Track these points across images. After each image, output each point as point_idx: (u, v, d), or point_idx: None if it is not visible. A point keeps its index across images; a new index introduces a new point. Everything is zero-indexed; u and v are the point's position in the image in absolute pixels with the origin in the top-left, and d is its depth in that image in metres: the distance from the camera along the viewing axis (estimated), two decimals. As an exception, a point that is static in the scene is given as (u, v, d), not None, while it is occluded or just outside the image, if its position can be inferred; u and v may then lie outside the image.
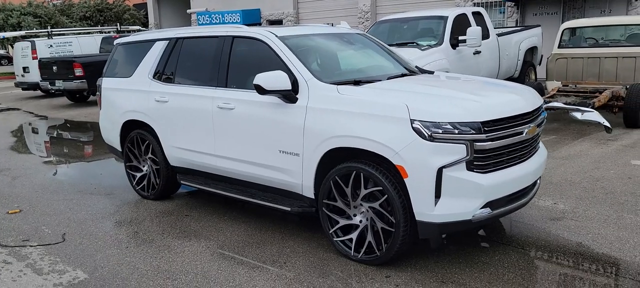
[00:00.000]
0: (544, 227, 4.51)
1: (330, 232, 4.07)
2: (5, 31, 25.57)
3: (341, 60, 4.83)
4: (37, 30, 20.56)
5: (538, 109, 4.05)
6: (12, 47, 23.34)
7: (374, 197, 3.78)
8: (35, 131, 11.45)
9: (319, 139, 3.97)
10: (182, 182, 5.30)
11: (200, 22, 20.75)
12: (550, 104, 8.00)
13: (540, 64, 11.26)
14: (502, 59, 9.58)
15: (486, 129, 3.53)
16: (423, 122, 3.50)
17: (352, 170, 3.83)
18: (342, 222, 4.01)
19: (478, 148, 3.51)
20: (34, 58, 17.01)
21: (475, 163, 3.54)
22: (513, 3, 14.25)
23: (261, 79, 4.06)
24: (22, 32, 20.78)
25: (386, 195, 3.66)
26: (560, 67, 9.55)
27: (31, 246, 4.46)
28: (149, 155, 5.58)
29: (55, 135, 10.91)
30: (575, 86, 9.17)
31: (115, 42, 6.29)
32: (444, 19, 8.39)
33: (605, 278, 3.58)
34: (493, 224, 4.60)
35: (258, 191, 4.66)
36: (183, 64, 5.22)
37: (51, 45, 17.78)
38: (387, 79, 4.47)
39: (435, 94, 3.98)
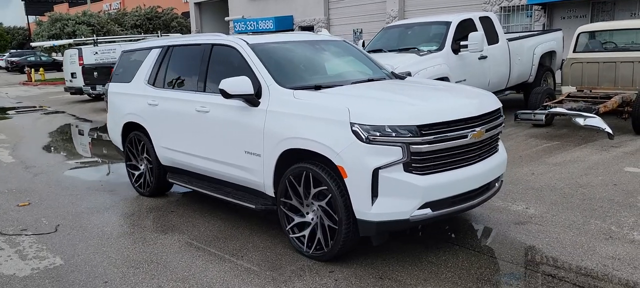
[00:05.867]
0: (504, 231, 4.56)
1: (287, 228, 4.30)
2: (61, 39, 27.30)
3: (310, 67, 5.05)
4: (85, 39, 21.88)
5: (488, 114, 4.13)
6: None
7: (323, 195, 3.99)
8: (70, 133, 12.26)
9: (275, 141, 4.22)
10: (169, 180, 5.68)
11: (237, 29, 21.42)
12: (554, 110, 7.91)
13: (561, 69, 11.00)
14: (513, 64, 9.48)
15: (423, 132, 3.67)
16: (361, 125, 3.69)
17: (302, 170, 4.06)
18: (297, 219, 4.24)
19: (415, 150, 3.66)
20: (80, 64, 18.11)
21: (413, 165, 3.69)
22: (540, 6, 13.96)
23: (225, 84, 4.36)
24: (71, 40, 22.16)
25: (330, 194, 3.87)
26: (576, 71, 9.35)
27: (26, 235, 4.94)
28: (144, 155, 6.00)
29: (87, 136, 11.66)
30: (591, 91, 8.96)
31: (122, 50, 6.78)
32: (447, 24, 8.43)
33: (540, 280, 3.63)
34: (456, 225, 4.69)
35: (233, 189, 4.96)
36: (171, 70, 5.61)
37: (96, 52, 18.84)
38: (351, 83, 4.66)
39: (381, 98, 4.15)
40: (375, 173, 3.65)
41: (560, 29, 11.41)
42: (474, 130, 3.93)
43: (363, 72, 5.17)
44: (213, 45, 5.13)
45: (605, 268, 3.77)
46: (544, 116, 7.85)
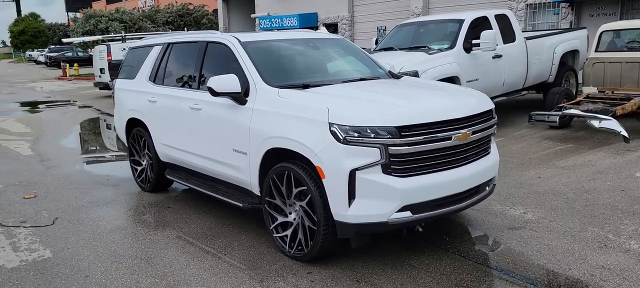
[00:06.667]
0: (496, 236, 4.42)
1: (271, 228, 4.28)
2: (94, 35, 28.00)
3: (301, 65, 5.00)
4: (114, 35, 22.42)
5: (476, 116, 3.99)
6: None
7: (304, 195, 3.95)
8: (92, 128, 12.56)
9: (260, 139, 4.20)
10: (168, 176, 5.74)
11: (262, 26, 21.53)
12: (568, 111, 7.63)
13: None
14: (531, 63, 9.18)
15: (403, 133, 3.58)
16: (340, 125, 3.63)
17: (284, 169, 4.03)
18: (280, 219, 4.21)
19: (394, 152, 3.57)
20: (108, 60, 18.56)
21: (392, 166, 3.60)
22: (567, 4, 13.49)
23: (213, 82, 4.36)
24: (99, 37, 22.72)
25: (310, 195, 3.83)
26: (598, 71, 8.98)
27: (24, 227, 5.07)
28: (146, 150, 6.08)
29: (108, 131, 11.93)
30: (612, 92, 8.60)
31: (129, 47, 6.89)
32: (460, 22, 8.23)
33: (522, 289, 3.51)
34: (449, 228, 4.57)
35: (225, 187, 4.97)
36: (170, 67, 5.66)
37: (124, 49, 19.24)
38: (341, 83, 4.59)
39: (365, 98, 4.07)
40: (352, 175, 3.59)
41: (585, 27, 10.99)
42: (458, 132, 3.81)
43: (357, 71, 5.09)
44: (208, 42, 5.14)
45: (592, 277, 3.61)
46: (557, 118, 7.58)
